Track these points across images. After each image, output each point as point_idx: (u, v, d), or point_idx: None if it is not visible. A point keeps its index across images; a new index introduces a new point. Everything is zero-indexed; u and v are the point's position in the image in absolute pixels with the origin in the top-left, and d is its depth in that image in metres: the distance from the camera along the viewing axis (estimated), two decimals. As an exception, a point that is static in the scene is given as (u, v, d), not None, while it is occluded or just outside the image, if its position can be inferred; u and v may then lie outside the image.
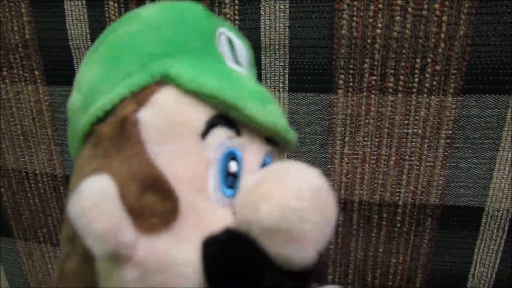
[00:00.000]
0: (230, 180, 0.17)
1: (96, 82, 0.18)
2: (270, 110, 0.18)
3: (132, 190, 0.15)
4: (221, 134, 0.17)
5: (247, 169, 0.17)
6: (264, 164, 0.19)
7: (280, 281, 0.15)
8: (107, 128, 0.16)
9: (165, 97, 0.17)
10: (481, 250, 0.44)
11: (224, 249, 0.15)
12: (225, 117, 0.17)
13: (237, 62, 0.21)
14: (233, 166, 0.17)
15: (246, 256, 0.15)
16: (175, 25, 0.19)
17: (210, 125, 0.17)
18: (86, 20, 0.44)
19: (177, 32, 0.18)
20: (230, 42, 0.21)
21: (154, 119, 0.16)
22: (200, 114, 0.17)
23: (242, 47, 0.22)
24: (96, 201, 0.14)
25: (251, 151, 0.18)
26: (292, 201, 0.15)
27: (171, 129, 0.16)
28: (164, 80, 0.17)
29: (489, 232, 0.43)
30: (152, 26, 0.18)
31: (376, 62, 0.39)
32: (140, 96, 0.17)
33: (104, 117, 0.17)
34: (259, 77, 0.42)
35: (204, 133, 0.16)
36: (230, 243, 0.15)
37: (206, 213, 0.16)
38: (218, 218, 0.16)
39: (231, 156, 0.17)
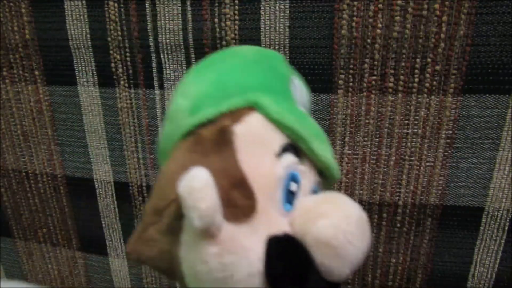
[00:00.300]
0: (290, 197, 0.21)
1: (204, 96, 0.23)
2: (327, 149, 0.22)
3: (223, 184, 0.19)
4: (289, 159, 0.21)
5: (302, 191, 0.22)
6: (313, 191, 0.23)
7: (321, 286, 0.19)
8: (209, 132, 0.21)
9: (255, 119, 0.21)
10: (481, 250, 0.44)
11: (282, 247, 0.19)
12: (294, 146, 0.21)
13: (300, 104, 0.25)
14: (293, 186, 0.21)
15: (299, 257, 0.18)
16: (266, 69, 0.24)
17: (284, 149, 0.21)
18: (86, 20, 0.44)
19: (267, 74, 0.24)
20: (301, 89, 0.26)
21: (246, 133, 0.21)
22: (278, 139, 0.21)
23: (304, 92, 0.27)
24: (202, 185, 0.17)
25: (307, 178, 0.22)
26: (343, 223, 0.19)
27: (257, 144, 0.21)
28: (254, 107, 0.22)
29: (489, 232, 0.43)
30: (250, 65, 0.24)
31: (376, 62, 0.39)
32: (236, 114, 0.21)
33: (205, 123, 0.21)
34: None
35: (279, 154, 0.21)
36: (288, 244, 0.19)
37: (273, 218, 0.20)
38: (280, 224, 0.20)
39: (293, 178, 0.21)
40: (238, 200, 0.19)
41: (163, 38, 0.43)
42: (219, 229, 0.18)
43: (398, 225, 0.45)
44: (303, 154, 0.22)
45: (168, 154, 0.23)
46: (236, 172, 0.19)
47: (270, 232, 0.19)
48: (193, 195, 0.17)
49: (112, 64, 0.45)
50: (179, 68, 0.44)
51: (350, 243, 0.19)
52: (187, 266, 0.20)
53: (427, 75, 0.38)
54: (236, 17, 0.40)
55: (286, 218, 0.21)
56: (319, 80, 0.41)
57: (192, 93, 0.23)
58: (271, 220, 0.20)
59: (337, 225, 0.19)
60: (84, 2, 0.44)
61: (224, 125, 0.21)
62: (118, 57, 0.45)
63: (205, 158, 0.20)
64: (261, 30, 0.40)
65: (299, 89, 0.25)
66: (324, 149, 0.22)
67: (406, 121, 0.40)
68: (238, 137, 0.21)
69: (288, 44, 0.40)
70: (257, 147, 0.21)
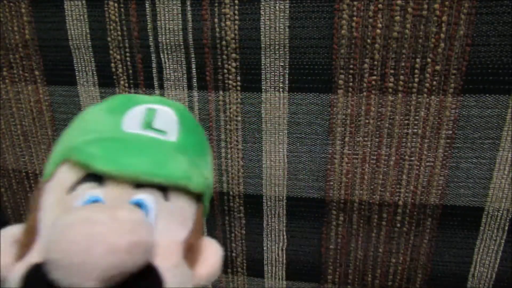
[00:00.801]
0: None
1: (47, 161, 0.26)
2: (124, 162, 0.23)
3: (24, 232, 0.23)
4: (83, 187, 0.23)
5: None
6: (138, 204, 0.23)
7: None
8: (34, 192, 0.25)
9: (61, 170, 0.24)
10: (481, 250, 0.44)
11: (30, 276, 0.20)
12: (93, 175, 0.23)
13: (150, 127, 0.26)
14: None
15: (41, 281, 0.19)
16: (96, 115, 0.27)
17: (78, 183, 0.23)
18: (86, 20, 0.44)
19: (94, 121, 0.26)
20: (151, 112, 0.26)
21: (49, 185, 0.24)
22: (71, 177, 0.23)
23: (168, 113, 0.27)
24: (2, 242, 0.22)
25: (112, 196, 0.22)
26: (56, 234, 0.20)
27: (55, 191, 0.23)
28: (67, 159, 0.24)
29: (489, 232, 0.43)
30: (81, 120, 0.27)
31: (376, 62, 0.39)
32: (54, 172, 0.24)
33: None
34: (259, 77, 0.42)
35: (71, 189, 0.23)
36: (35, 273, 0.20)
37: (40, 249, 0.22)
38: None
39: (93, 200, 0.22)
40: (25, 242, 0.22)
41: (163, 38, 0.43)
42: (9, 269, 0.22)
43: (398, 225, 0.45)
44: (104, 176, 0.23)
45: None
46: (32, 221, 0.23)
47: (31, 261, 0.21)
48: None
49: (112, 64, 0.45)
50: (179, 68, 0.44)
51: (63, 250, 0.18)
52: None
53: (427, 75, 0.38)
54: (236, 17, 0.40)
55: None
56: (319, 80, 0.41)
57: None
58: (40, 249, 0.22)
59: (52, 238, 0.19)
60: (84, 2, 0.44)
61: (39, 186, 0.24)
62: (118, 57, 0.45)
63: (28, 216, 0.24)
64: (261, 30, 0.40)
65: (141, 114, 0.26)
66: (119, 167, 0.22)
67: (406, 121, 0.40)
68: (45, 191, 0.24)
69: (288, 44, 0.40)
70: (54, 191, 0.24)
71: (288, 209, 0.47)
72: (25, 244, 0.22)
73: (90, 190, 0.22)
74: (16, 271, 0.21)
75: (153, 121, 0.26)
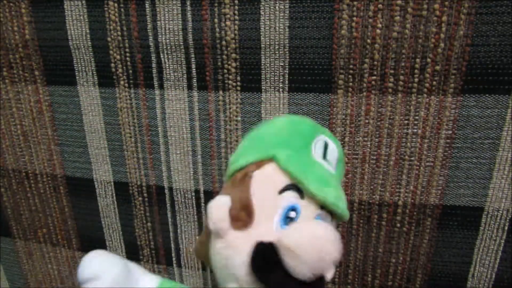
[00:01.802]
0: (287, 221, 0.29)
1: (242, 150, 0.33)
2: (325, 190, 0.30)
3: (236, 206, 0.29)
4: (289, 194, 0.29)
5: (302, 219, 0.29)
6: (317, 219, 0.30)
7: (284, 280, 0.26)
8: (239, 175, 0.31)
9: (271, 167, 0.30)
10: (481, 250, 0.44)
11: (262, 249, 0.27)
12: (297, 187, 0.29)
13: (325, 158, 0.32)
14: (292, 214, 0.29)
15: (271, 257, 0.26)
16: (291, 131, 0.33)
17: (286, 188, 0.29)
18: (86, 20, 0.44)
19: (290, 135, 0.32)
20: (326, 145, 0.33)
21: (261, 176, 0.30)
22: (283, 181, 0.30)
23: (334, 149, 0.33)
24: (217, 205, 0.29)
25: (307, 209, 0.29)
26: (301, 235, 0.26)
27: (266, 183, 0.30)
28: (273, 159, 0.31)
29: (489, 232, 0.43)
30: (276, 131, 0.33)
31: (376, 62, 0.39)
32: (259, 164, 0.31)
33: (241, 169, 0.31)
34: (259, 77, 0.42)
35: (281, 191, 0.29)
36: (266, 248, 0.27)
37: (266, 231, 0.28)
38: (270, 236, 0.27)
39: (293, 208, 0.29)
40: (242, 217, 0.29)
41: (163, 38, 0.43)
42: (225, 233, 0.29)
43: (398, 225, 0.45)
44: (305, 193, 0.30)
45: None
46: (246, 199, 0.29)
47: (259, 239, 0.27)
48: (210, 210, 0.29)
49: (112, 64, 0.45)
50: (179, 68, 0.44)
51: (305, 250, 0.25)
52: (211, 254, 0.31)
53: (427, 75, 0.38)
54: (236, 17, 0.40)
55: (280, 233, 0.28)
56: (319, 80, 0.41)
57: (237, 149, 0.34)
58: (264, 232, 0.28)
59: (295, 236, 0.26)
60: (84, 2, 0.44)
61: (247, 170, 0.31)
62: (118, 57, 0.45)
63: (233, 190, 0.31)
64: (261, 30, 0.40)
65: (322, 145, 0.33)
66: (319, 189, 0.29)
67: (406, 121, 0.40)
68: (255, 178, 0.30)
69: (288, 44, 0.40)
70: (266, 185, 0.30)
71: (288, 209, 0.47)
72: (241, 218, 0.29)
73: (294, 199, 0.29)
74: (241, 240, 0.28)
75: (327, 154, 0.33)
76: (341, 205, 0.30)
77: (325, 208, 0.30)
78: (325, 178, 0.31)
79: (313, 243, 0.26)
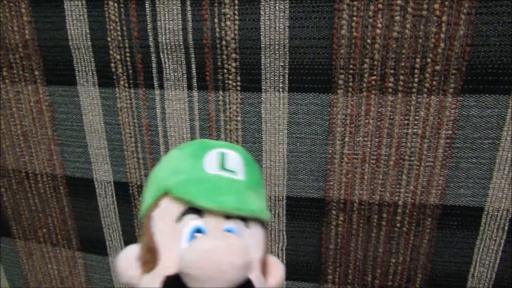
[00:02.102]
0: None
1: (143, 195, 0.33)
2: (220, 199, 0.29)
3: (143, 251, 0.29)
4: (189, 218, 0.29)
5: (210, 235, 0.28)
6: (228, 231, 0.29)
7: None
8: (145, 221, 0.31)
9: (164, 202, 0.30)
10: (481, 250, 0.44)
11: (169, 282, 0.26)
12: (193, 208, 0.29)
13: (224, 168, 0.31)
14: (198, 235, 0.28)
15: (180, 286, 0.26)
16: (180, 157, 0.33)
17: (182, 214, 0.29)
18: (86, 20, 0.44)
19: (179, 162, 0.32)
20: (222, 155, 0.32)
21: (158, 213, 0.30)
22: (177, 208, 0.29)
23: (235, 157, 0.33)
24: (123, 256, 0.29)
25: (212, 225, 0.28)
26: (192, 258, 0.25)
27: (164, 218, 0.29)
28: (167, 192, 0.30)
29: (489, 232, 0.43)
30: (168, 162, 0.33)
31: (376, 62, 0.39)
32: (156, 202, 0.31)
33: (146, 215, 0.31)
34: (259, 77, 0.42)
35: (178, 219, 0.29)
36: (172, 279, 0.26)
37: (172, 263, 0.27)
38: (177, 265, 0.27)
39: (197, 230, 0.28)
40: (149, 258, 0.29)
41: (163, 38, 0.43)
42: (138, 280, 0.29)
43: (398, 225, 0.45)
44: (202, 210, 0.29)
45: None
46: (149, 241, 0.29)
47: (166, 274, 0.27)
48: (118, 261, 0.29)
49: (112, 64, 0.45)
50: (179, 68, 0.44)
51: (200, 269, 0.25)
52: None
53: (427, 75, 0.38)
54: (236, 17, 0.40)
55: None
56: (319, 80, 0.41)
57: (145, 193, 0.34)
58: (171, 264, 0.27)
59: (187, 258, 0.25)
60: (84, 2, 0.44)
61: (148, 214, 0.31)
62: (118, 57, 0.45)
63: (141, 237, 0.31)
64: (261, 30, 0.40)
65: (216, 157, 0.32)
66: (215, 201, 0.28)
67: (406, 121, 0.40)
68: (153, 218, 0.30)
69: (288, 44, 0.40)
70: (162, 220, 0.29)
71: (288, 209, 0.47)
72: (148, 261, 0.28)
73: (194, 221, 0.29)
74: (150, 281, 0.27)
75: (225, 163, 0.32)
76: (246, 208, 0.29)
77: (235, 217, 0.29)
78: (219, 187, 0.30)
79: (205, 259, 0.25)
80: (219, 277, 0.24)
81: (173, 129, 0.47)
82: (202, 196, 0.29)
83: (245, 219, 0.30)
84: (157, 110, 0.46)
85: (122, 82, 0.46)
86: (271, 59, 0.41)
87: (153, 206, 0.31)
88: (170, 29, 0.42)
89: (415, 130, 0.41)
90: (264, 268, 0.31)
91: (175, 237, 0.28)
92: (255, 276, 0.27)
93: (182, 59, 0.43)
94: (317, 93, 0.41)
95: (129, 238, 0.54)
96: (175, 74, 0.44)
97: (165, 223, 0.29)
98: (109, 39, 0.44)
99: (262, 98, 0.43)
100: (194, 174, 0.31)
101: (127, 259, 0.29)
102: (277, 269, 0.32)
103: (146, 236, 0.30)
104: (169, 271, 0.27)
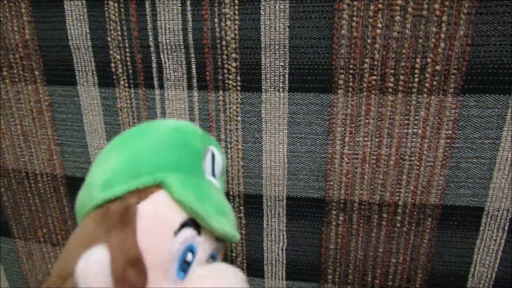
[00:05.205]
0: (184, 266, 0.24)
1: (116, 172, 0.25)
2: (224, 221, 0.26)
3: (120, 262, 0.20)
4: (187, 233, 0.24)
5: (198, 260, 0.25)
6: (211, 257, 0.26)
7: None
8: (116, 208, 0.22)
9: (160, 197, 0.24)
10: (481, 250, 0.44)
11: None
12: (194, 221, 0.24)
13: (213, 174, 0.28)
14: (189, 256, 0.24)
15: None
16: (179, 146, 0.27)
17: (182, 225, 0.24)
18: (86, 20, 0.44)
19: (179, 152, 0.27)
20: (213, 157, 0.29)
21: (149, 211, 0.23)
22: (178, 216, 0.24)
23: (220, 161, 0.30)
24: (88, 267, 0.20)
25: (204, 247, 0.25)
26: None
27: (158, 224, 0.23)
28: (161, 185, 0.24)
29: (489, 232, 0.43)
30: (163, 144, 0.26)
31: (376, 62, 0.39)
32: (144, 192, 0.24)
33: (114, 200, 0.23)
34: (259, 77, 0.42)
35: (177, 231, 0.24)
36: None
37: None
38: None
39: (190, 249, 0.24)
40: (132, 277, 0.21)
41: (163, 38, 0.43)
42: None
43: (398, 225, 0.45)
44: (203, 227, 0.25)
45: (81, 218, 0.26)
46: (134, 251, 0.21)
47: None
48: (79, 274, 0.20)
49: (112, 64, 0.45)
50: (179, 68, 0.44)
51: None
52: None
53: (427, 75, 0.38)
54: (236, 17, 0.40)
55: (178, 285, 0.23)
56: (319, 80, 0.41)
57: (106, 167, 0.26)
58: None
59: None
60: (84, 2, 0.44)
61: (129, 203, 0.22)
62: (118, 57, 0.45)
63: (108, 234, 0.22)
64: (261, 30, 0.40)
65: (210, 159, 0.28)
66: (221, 222, 0.25)
67: (406, 121, 0.40)
68: (142, 215, 0.23)
69: (288, 44, 0.40)
70: (158, 226, 0.23)
71: (288, 209, 0.47)
72: (126, 278, 0.21)
73: (192, 238, 0.25)
74: None
75: (215, 168, 0.30)
76: (236, 234, 0.27)
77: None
78: (221, 205, 0.27)
79: None
80: None
81: (173, 129, 0.47)
82: (213, 215, 0.25)
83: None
84: (157, 110, 0.46)
85: (122, 82, 0.46)
86: (271, 59, 0.41)
87: (136, 194, 0.24)
88: (170, 29, 0.42)
89: (415, 130, 0.41)
90: None
91: (171, 255, 0.23)
92: None
93: (182, 59, 0.43)
94: (317, 93, 0.41)
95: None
96: (175, 74, 0.44)
97: (162, 233, 0.23)
98: (109, 39, 0.44)
99: (262, 98, 0.43)
100: (198, 180, 0.27)
101: (92, 271, 0.20)
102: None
103: (127, 240, 0.22)
104: None
